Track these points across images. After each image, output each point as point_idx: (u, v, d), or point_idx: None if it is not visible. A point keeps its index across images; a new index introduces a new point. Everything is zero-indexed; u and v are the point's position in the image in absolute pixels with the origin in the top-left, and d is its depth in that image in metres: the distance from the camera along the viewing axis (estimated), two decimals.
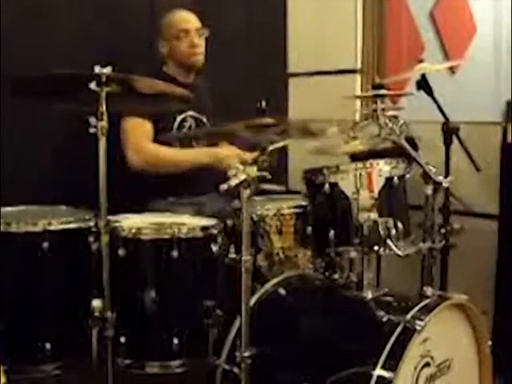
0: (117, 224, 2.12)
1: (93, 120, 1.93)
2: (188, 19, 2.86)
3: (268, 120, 1.92)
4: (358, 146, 2.35)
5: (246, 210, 1.86)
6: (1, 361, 1.90)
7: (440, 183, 2.13)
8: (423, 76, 2.56)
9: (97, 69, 1.91)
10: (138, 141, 2.70)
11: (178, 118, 2.81)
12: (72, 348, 2.09)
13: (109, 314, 1.96)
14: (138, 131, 2.71)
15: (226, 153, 2.70)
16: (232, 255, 2.20)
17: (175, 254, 2.08)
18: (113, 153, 2.00)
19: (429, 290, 2.08)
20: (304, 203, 2.31)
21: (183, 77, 2.87)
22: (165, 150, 2.72)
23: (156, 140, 2.72)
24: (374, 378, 1.80)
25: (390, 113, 2.28)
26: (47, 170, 2.74)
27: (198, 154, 2.76)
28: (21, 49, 2.61)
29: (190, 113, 2.85)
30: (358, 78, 3.53)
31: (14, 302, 2.05)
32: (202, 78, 2.97)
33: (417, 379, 1.91)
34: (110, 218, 2.05)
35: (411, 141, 2.36)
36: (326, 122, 2.07)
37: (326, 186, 2.14)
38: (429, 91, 2.55)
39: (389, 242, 2.03)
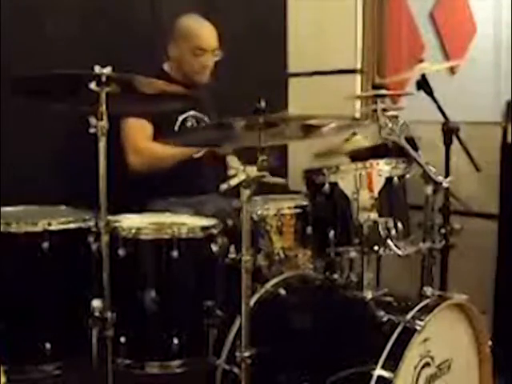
0: (117, 224, 2.12)
1: (93, 120, 1.93)
2: (207, 38, 2.80)
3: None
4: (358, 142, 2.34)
5: (246, 209, 1.86)
6: (1, 361, 1.89)
7: (440, 183, 2.13)
8: (423, 76, 2.55)
9: (97, 69, 1.91)
10: (136, 141, 2.70)
11: (180, 118, 2.80)
12: (72, 348, 2.09)
13: (109, 314, 1.96)
14: (136, 131, 2.71)
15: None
16: (232, 255, 2.20)
17: (175, 254, 2.08)
18: (113, 153, 2.00)
19: (429, 290, 2.08)
20: (304, 203, 2.30)
21: (183, 79, 2.84)
22: (161, 148, 2.67)
23: (157, 140, 2.70)
24: (374, 378, 1.80)
25: (390, 113, 2.27)
26: (47, 169, 2.74)
27: (193, 151, 2.72)
28: (21, 49, 2.60)
29: (192, 113, 2.83)
30: (358, 78, 3.53)
31: (14, 302, 2.05)
32: None
33: (417, 379, 1.91)
34: (110, 218, 2.05)
35: (411, 141, 2.36)
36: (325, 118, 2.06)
37: (326, 185, 2.14)
38: (429, 91, 2.55)
39: (389, 241, 2.03)
